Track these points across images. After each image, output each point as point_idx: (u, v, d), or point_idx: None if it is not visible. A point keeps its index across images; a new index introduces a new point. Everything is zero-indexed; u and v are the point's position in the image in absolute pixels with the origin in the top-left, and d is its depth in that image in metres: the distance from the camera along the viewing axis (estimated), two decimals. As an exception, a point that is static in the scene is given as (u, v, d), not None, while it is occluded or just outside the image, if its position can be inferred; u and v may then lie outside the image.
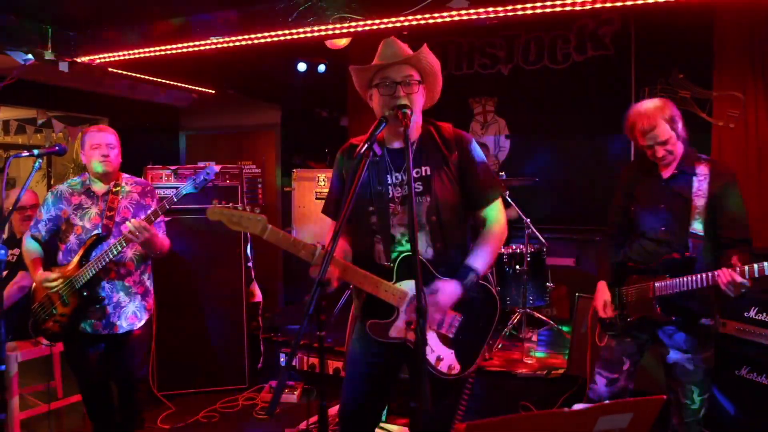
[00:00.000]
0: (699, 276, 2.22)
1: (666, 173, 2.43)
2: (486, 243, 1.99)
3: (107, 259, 2.60)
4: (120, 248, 2.59)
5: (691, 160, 2.39)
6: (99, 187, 2.79)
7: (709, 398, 2.43)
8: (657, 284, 2.34)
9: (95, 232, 2.68)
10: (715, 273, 2.17)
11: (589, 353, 3.37)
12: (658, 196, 2.43)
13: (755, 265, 2.07)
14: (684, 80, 4.56)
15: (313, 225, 4.83)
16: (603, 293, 2.52)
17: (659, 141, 2.33)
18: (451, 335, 1.94)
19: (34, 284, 2.79)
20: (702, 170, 2.35)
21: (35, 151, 2.66)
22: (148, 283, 2.89)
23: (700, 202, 2.31)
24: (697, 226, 2.30)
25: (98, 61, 4.17)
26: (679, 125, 2.36)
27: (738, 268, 2.11)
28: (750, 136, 4.26)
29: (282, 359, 4.31)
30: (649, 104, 2.39)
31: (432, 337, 1.93)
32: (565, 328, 4.27)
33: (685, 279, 2.25)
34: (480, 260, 1.94)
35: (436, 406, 1.90)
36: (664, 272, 2.34)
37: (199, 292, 4.11)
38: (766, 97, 4.20)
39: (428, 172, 1.98)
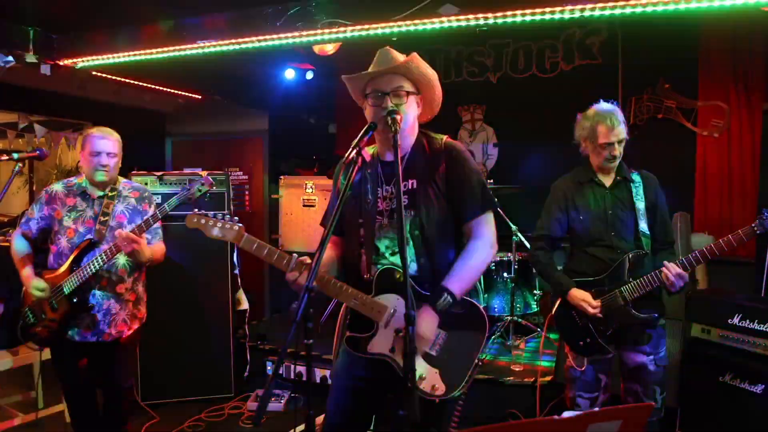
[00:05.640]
0: (653, 274, 2.37)
1: (608, 181, 2.58)
2: (464, 262, 1.89)
3: (98, 266, 2.55)
4: (110, 255, 2.54)
5: (625, 169, 2.57)
6: (94, 191, 2.74)
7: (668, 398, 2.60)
8: (625, 291, 2.44)
9: (88, 236, 2.63)
10: (662, 270, 2.35)
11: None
12: (604, 203, 2.56)
13: (690, 256, 2.33)
14: (670, 90, 4.62)
15: (300, 232, 4.79)
16: (581, 294, 2.50)
17: (620, 139, 2.48)
18: (434, 353, 1.84)
19: (24, 287, 2.71)
20: (636, 177, 2.54)
21: (15, 155, 2.63)
22: (141, 291, 2.84)
23: (641, 205, 2.50)
24: (644, 226, 2.49)
25: (81, 64, 4.10)
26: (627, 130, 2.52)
27: (678, 262, 2.34)
28: (733, 145, 4.34)
29: (269, 367, 4.26)
30: (608, 105, 2.57)
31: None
32: (552, 336, 4.27)
33: (646, 279, 2.40)
34: (456, 281, 1.84)
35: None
36: (632, 269, 2.45)
37: (184, 300, 4.04)
38: (748, 106, 4.29)
39: (414, 186, 1.92)
